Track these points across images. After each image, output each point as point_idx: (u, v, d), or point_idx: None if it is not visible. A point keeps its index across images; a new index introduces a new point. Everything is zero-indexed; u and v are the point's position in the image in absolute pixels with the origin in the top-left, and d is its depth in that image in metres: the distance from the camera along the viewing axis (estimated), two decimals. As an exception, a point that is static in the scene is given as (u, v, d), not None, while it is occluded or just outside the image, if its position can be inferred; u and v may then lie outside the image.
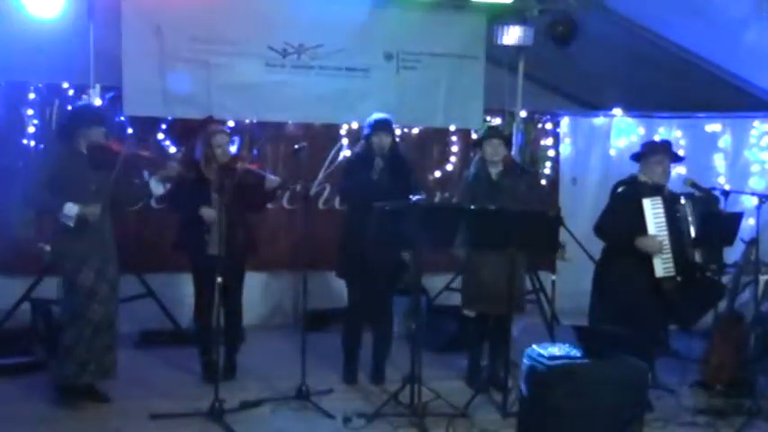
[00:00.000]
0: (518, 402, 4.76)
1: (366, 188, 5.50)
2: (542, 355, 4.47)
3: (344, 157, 7.00)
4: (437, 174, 7.69)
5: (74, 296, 5.10)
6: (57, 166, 5.09)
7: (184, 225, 5.69)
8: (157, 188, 5.32)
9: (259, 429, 4.99)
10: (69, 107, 5.74)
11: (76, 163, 5.08)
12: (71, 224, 4.97)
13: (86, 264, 5.08)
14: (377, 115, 5.79)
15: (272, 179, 5.56)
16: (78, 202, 4.99)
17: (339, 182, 6.09)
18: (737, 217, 5.62)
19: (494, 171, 5.63)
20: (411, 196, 5.27)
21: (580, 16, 6.94)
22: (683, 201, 5.42)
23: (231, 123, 6.95)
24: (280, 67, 7.07)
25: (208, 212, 5.47)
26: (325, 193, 7.33)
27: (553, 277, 5.71)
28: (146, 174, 5.46)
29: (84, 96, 6.54)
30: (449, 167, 7.71)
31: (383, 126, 5.71)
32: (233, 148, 6.28)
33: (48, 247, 5.30)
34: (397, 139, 7.30)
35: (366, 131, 5.77)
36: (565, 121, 8.04)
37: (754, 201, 5.57)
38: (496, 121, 7.60)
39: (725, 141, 7.77)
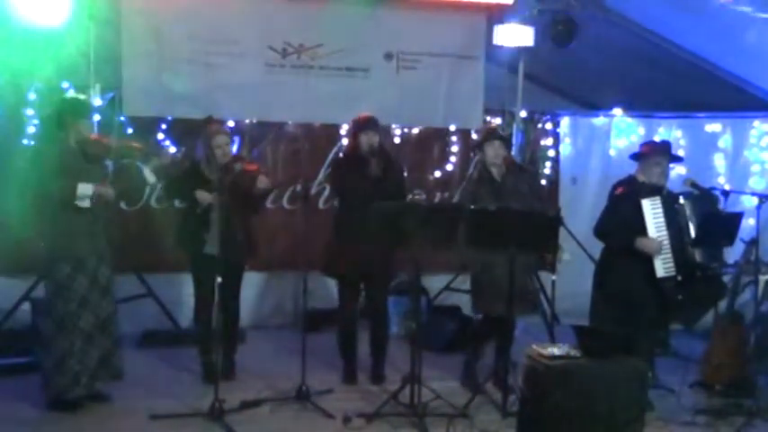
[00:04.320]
0: (518, 402, 4.76)
1: (364, 188, 5.48)
2: (542, 355, 4.47)
3: (336, 157, 7.01)
4: (437, 174, 7.69)
5: (66, 303, 5.03)
6: (58, 159, 5.06)
7: (183, 224, 5.70)
8: (150, 177, 5.31)
9: (259, 429, 4.98)
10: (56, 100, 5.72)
11: (69, 158, 5.05)
12: (87, 204, 4.95)
13: (81, 270, 5.04)
14: (362, 114, 5.78)
15: (263, 180, 5.55)
16: (71, 198, 4.96)
17: (335, 183, 6.02)
18: (737, 217, 5.62)
19: (496, 171, 5.62)
20: (409, 196, 5.26)
21: (580, 16, 6.95)
22: (681, 200, 5.43)
23: (231, 123, 6.96)
24: (280, 67, 7.08)
25: (201, 195, 5.45)
26: (325, 193, 7.33)
27: (553, 277, 5.69)
28: (139, 165, 5.46)
29: (71, 90, 6.50)
30: (449, 167, 7.71)
31: (372, 124, 5.69)
32: (233, 148, 6.28)
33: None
34: (396, 139, 7.39)
35: (353, 130, 5.76)
36: (565, 121, 8.04)
37: (754, 201, 5.58)
38: (496, 121, 7.61)
39: (725, 141, 7.78)
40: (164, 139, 6.90)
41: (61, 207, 5.00)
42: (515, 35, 7.02)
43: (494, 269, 5.45)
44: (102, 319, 5.16)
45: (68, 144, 5.09)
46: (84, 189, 4.93)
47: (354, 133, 5.73)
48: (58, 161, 5.02)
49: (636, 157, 5.58)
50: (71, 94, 6.26)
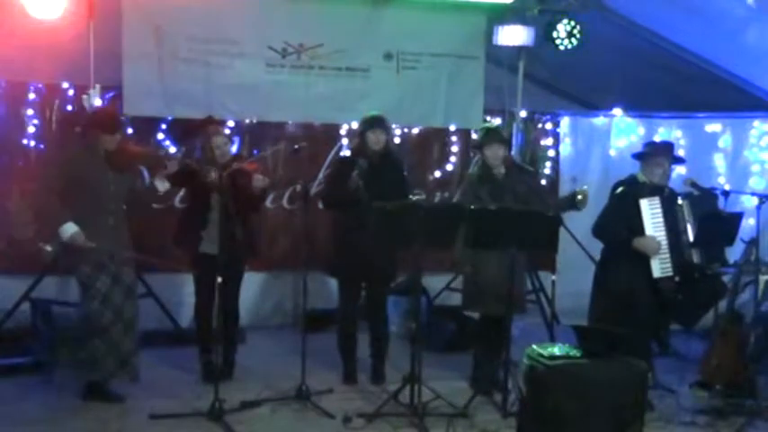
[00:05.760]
0: (518, 402, 4.76)
1: (345, 196, 5.49)
2: (542, 355, 4.47)
3: (338, 156, 7.00)
4: (437, 174, 7.69)
5: (90, 302, 5.12)
6: (76, 167, 5.12)
7: (183, 222, 5.71)
8: (163, 185, 5.33)
9: (259, 429, 4.99)
10: (91, 111, 5.77)
11: (96, 164, 5.11)
12: (62, 240, 5.02)
13: (102, 270, 5.10)
14: (372, 112, 5.79)
15: (259, 178, 5.54)
16: (96, 202, 5.06)
17: (323, 185, 6.03)
18: (737, 217, 5.62)
19: (496, 171, 5.62)
20: (410, 196, 5.26)
21: (580, 16, 6.95)
22: (680, 201, 5.43)
23: (231, 123, 6.96)
24: (280, 67, 7.08)
25: (171, 163, 5.39)
26: (326, 193, 7.32)
27: (553, 277, 5.71)
28: (145, 172, 5.48)
29: (85, 96, 6.53)
30: (449, 167, 7.71)
31: (380, 122, 5.69)
32: (233, 148, 6.29)
33: (48, 247, 5.31)
34: (396, 140, 7.38)
35: (361, 128, 5.76)
36: (565, 121, 8.04)
37: (754, 201, 5.58)
38: (496, 121, 7.60)
39: (725, 141, 7.78)
40: (164, 139, 6.91)
41: (79, 211, 5.04)
42: (515, 35, 7.02)
43: (482, 269, 5.47)
44: (126, 321, 5.21)
45: (98, 152, 5.14)
46: (66, 230, 4.98)
47: (362, 131, 5.73)
48: (83, 167, 5.09)
49: (638, 156, 5.59)
50: (102, 106, 6.32)
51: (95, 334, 5.10)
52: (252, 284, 6.65)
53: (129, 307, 5.23)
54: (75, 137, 5.70)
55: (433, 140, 7.69)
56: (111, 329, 5.12)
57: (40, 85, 6.64)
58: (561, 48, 7.03)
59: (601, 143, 8.00)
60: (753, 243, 5.71)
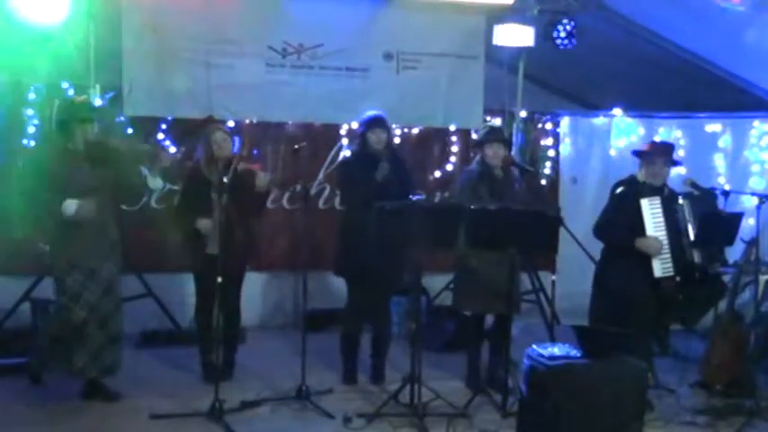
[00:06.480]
0: (518, 402, 4.76)
1: (370, 192, 5.46)
2: (542, 355, 4.47)
3: (343, 157, 7.00)
4: (437, 174, 7.69)
5: (59, 297, 5.14)
6: (54, 164, 5.09)
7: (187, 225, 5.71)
8: (155, 183, 5.31)
9: (259, 429, 4.98)
10: (60, 103, 5.71)
11: (73, 159, 5.08)
12: (73, 218, 4.99)
13: (77, 266, 5.09)
14: (371, 112, 5.78)
15: (262, 176, 5.54)
16: (70, 195, 5.00)
17: (342, 185, 6.02)
18: (737, 217, 5.63)
19: (496, 171, 5.62)
20: (411, 196, 5.25)
21: (580, 16, 6.95)
22: (680, 201, 5.44)
23: (231, 123, 6.96)
24: (280, 67, 7.08)
25: (203, 223, 5.46)
26: (325, 193, 7.33)
27: (553, 277, 5.71)
28: (143, 169, 5.47)
29: (85, 96, 6.54)
30: (449, 167, 7.71)
31: (379, 122, 5.68)
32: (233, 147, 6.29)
33: (48, 247, 5.30)
34: (397, 140, 7.38)
35: (361, 129, 5.76)
36: (565, 121, 8.04)
37: (754, 201, 5.58)
38: (497, 121, 7.60)
39: (725, 141, 7.78)
40: (164, 139, 6.90)
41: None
42: (515, 35, 7.02)
43: (475, 267, 5.47)
44: (102, 317, 5.18)
45: (75, 147, 5.12)
46: (68, 206, 4.97)
47: (362, 132, 5.72)
48: (61, 165, 5.06)
49: (638, 153, 5.59)
50: (75, 97, 6.28)
51: (66, 330, 5.09)
52: (252, 284, 6.65)
53: (106, 304, 5.19)
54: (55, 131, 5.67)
55: (433, 140, 7.70)
56: (82, 327, 5.10)
57: (40, 85, 6.64)
58: (561, 48, 7.02)
59: (601, 143, 8.00)
60: (753, 243, 5.72)
